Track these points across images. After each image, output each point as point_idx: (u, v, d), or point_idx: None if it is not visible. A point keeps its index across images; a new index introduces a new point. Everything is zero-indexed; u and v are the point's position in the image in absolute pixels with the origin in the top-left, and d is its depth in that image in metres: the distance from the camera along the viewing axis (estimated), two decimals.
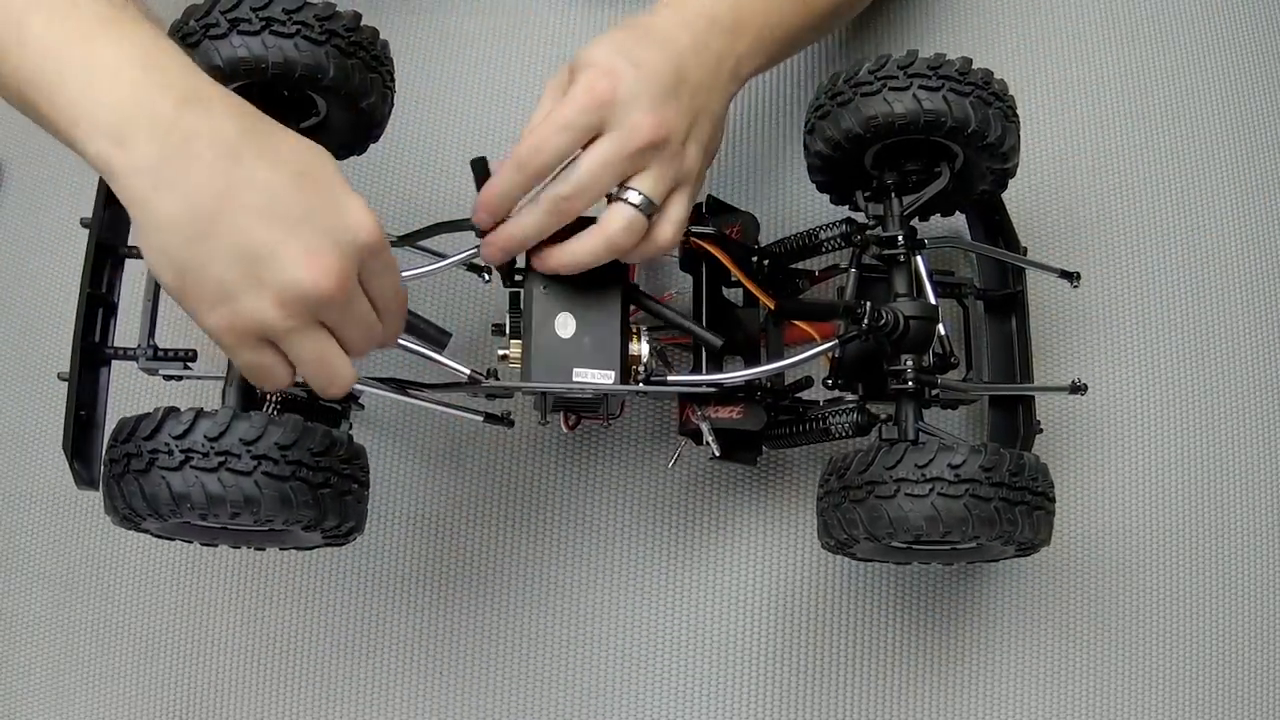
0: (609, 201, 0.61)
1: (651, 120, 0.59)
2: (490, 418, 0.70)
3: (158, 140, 0.49)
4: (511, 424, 0.71)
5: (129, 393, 0.77)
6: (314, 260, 0.50)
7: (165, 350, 0.64)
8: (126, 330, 0.66)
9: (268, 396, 0.65)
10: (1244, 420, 0.79)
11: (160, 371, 0.65)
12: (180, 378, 0.66)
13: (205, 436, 0.54)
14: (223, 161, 0.50)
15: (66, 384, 0.64)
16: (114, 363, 0.65)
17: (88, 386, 0.64)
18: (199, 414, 0.55)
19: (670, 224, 0.62)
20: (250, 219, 0.50)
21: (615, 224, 0.61)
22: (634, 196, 0.60)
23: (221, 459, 0.54)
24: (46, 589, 0.78)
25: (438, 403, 0.68)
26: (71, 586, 0.77)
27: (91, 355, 0.65)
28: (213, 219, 0.49)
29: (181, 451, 0.54)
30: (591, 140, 0.60)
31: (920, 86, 0.63)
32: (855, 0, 0.74)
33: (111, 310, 0.66)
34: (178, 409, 0.55)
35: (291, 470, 0.55)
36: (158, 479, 0.54)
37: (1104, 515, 0.78)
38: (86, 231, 0.64)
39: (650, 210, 0.61)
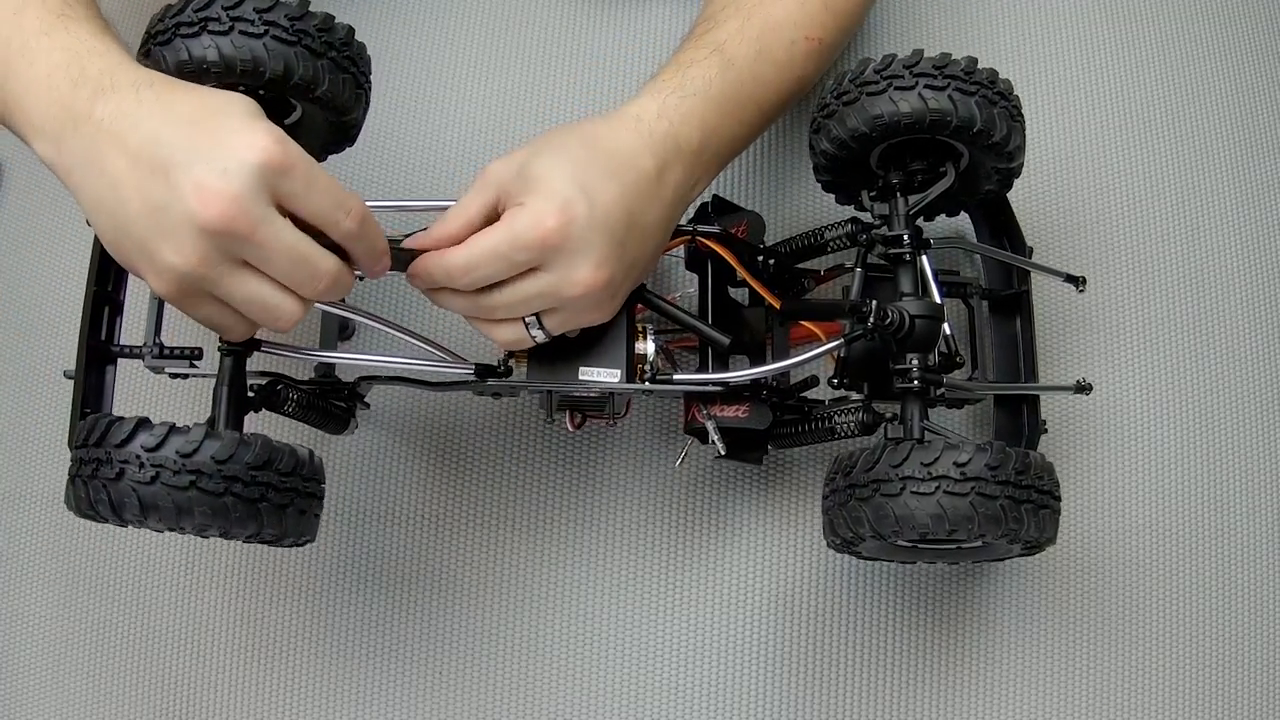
0: None
1: (592, 278, 0.57)
2: (482, 369, 0.66)
3: (82, 135, 0.53)
4: (508, 372, 0.66)
5: (135, 391, 0.77)
6: (201, 192, 0.50)
7: (171, 348, 0.63)
8: (132, 328, 0.66)
9: (288, 397, 0.65)
10: (1247, 420, 0.80)
11: (166, 370, 0.64)
12: (186, 375, 0.66)
13: (143, 448, 0.54)
14: (128, 135, 0.52)
15: (72, 382, 0.64)
16: (120, 361, 0.65)
17: (94, 384, 0.64)
18: (139, 424, 0.55)
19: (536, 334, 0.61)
20: (149, 177, 0.51)
21: (505, 334, 0.61)
22: (534, 326, 0.60)
23: (156, 471, 0.54)
24: (46, 589, 0.77)
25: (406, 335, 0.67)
26: (71, 586, 0.77)
27: (97, 353, 0.65)
28: (121, 187, 0.52)
29: (119, 462, 0.54)
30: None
31: (926, 86, 0.63)
32: (801, 89, 0.69)
33: (117, 308, 0.66)
34: (121, 418, 0.55)
35: (225, 485, 0.55)
36: (99, 485, 0.55)
37: (1108, 514, 0.78)
38: (90, 231, 0.63)
39: (543, 338, 0.61)
